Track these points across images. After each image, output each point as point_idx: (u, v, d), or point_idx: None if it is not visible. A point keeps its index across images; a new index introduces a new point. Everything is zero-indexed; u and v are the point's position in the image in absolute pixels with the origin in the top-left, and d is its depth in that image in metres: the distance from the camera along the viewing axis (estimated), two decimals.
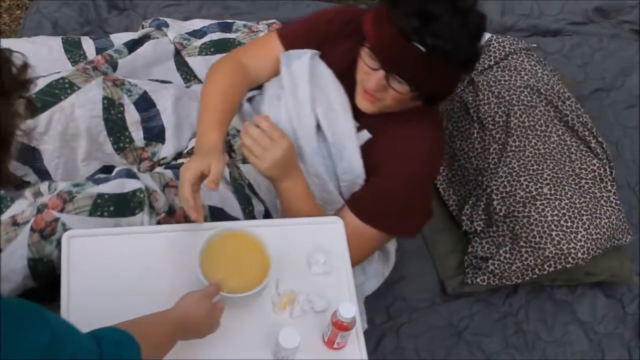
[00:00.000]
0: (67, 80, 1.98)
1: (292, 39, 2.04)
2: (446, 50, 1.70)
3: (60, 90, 1.96)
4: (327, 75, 1.98)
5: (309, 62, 1.97)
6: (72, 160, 2.04)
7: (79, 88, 1.98)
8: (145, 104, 2.11)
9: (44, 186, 1.86)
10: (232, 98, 1.96)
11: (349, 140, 1.93)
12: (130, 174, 1.87)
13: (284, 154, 1.78)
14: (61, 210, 1.76)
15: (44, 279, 1.84)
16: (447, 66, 1.74)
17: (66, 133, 1.98)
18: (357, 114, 1.94)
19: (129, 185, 1.84)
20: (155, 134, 2.10)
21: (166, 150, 2.11)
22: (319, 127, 1.95)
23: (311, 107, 1.95)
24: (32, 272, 1.79)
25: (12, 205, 1.84)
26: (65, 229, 1.75)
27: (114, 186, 1.82)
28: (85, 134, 2.00)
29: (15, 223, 1.76)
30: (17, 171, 1.99)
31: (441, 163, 2.02)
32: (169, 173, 1.97)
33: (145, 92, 2.12)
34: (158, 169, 2.03)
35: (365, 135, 1.94)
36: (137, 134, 2.08)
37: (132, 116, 2.07)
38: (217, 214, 1.93)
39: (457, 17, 1.71)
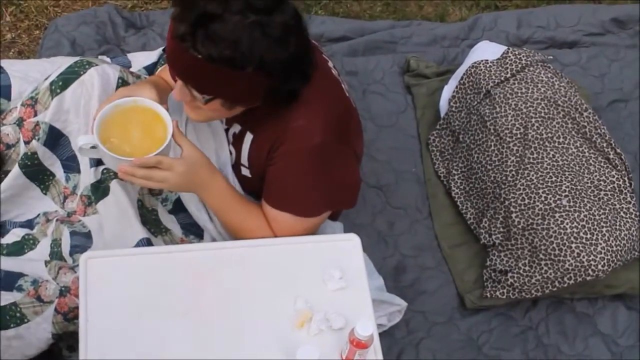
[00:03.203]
0: (86, 61, 1.99)
1: None
2: (224, 56, 1.52)
3: (79, 67, 1.97)
4: None
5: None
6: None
7: (97, 65, 2.00)
8: None
9: (68, 185, 1.94)
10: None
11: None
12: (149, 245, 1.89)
13: (183, 179, 1.73)
14: None
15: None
16: (237, 72, 1.55)
17: (88, 107, 1.97)
18: (242, 118, 1.83)
19: None
20: None
21: None
22: None
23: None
24: (55, 339, 1.85)
25: (34, 249, 1.93)
26: None
27: None
28: (97, 103, 1.97)
29: (39, 299, 1.79)
30: (46, 160, 2.00)
31: (333, 130, 1.76)
32: (177, 231, 1.98)
33: None
34: (164, 220, 2.00)
35: (249, 136, 1.84)
36: None
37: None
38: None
39: (246, 16, 1.52)
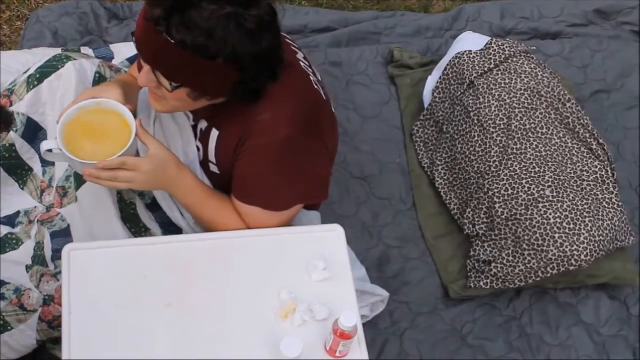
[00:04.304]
0: (65, 55, 1.98)
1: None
2: (198, 43, 1.51)
3: (58, 61, 1.96)
4: None
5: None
6: None
7: (75, 60, 1.98)
8: None
9: (45, 178, 1.93)
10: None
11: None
12: None
13: (150, 177, 1.72)
14: None
15: None
16: (208, 61, 1.55)
17: (64, 100, 1.95)
18: (208, 114, 1.82)
19: None
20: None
21: None
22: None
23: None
24: (40, 345, 1.86)
25: (17, 249, 1.91)
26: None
27: None
28: (74, 96, 1.95)
29: (22, 307, 1.79)
30: (25, 154, 1.99)
31: (300, 124, 1.74)
32: (157, 230, 1.97)
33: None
34: (142, 216, 1.98)
35: (215, 133, 1.84)
36: None
37: None
38: None
39: (222, 7, 1.51)
